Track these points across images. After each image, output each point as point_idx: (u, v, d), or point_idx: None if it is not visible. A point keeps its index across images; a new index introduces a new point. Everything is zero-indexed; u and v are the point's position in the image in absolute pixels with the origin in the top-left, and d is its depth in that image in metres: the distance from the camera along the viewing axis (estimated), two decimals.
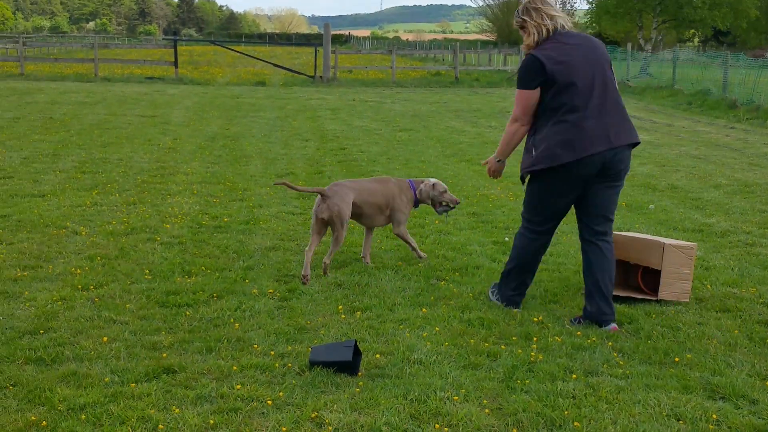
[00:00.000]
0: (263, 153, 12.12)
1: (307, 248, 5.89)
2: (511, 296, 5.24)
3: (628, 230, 7.40)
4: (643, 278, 5.66)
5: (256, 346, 4.51)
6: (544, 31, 4.85)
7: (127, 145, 12.43)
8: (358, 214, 6.13)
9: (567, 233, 7.18)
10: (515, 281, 5.22)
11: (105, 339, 4.55)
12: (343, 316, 5.06)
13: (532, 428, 3.67)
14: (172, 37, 35.23)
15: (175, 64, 29.25)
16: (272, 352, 4.42)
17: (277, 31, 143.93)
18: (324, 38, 30.16)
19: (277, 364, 4.25)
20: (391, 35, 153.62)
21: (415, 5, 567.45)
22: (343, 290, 5.59)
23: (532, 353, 4.47)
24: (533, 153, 4.88)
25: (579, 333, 4.82)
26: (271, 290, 5.52)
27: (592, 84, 4.78)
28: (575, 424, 3.68)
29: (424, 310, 5.18)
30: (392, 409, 3.76)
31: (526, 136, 5.02)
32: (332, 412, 3.74)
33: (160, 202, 8.42)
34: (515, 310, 5.19)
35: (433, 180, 6.37)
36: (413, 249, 6.38)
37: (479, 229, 7.54)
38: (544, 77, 4.76)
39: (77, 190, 8.91)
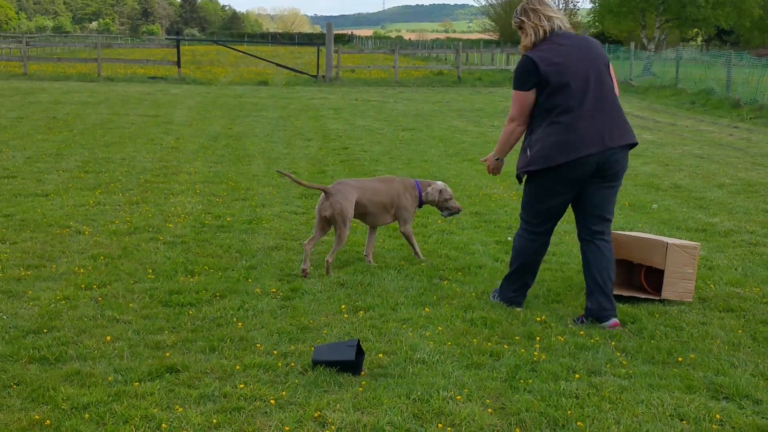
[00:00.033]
0: (266, 152, 12.12)
1: (306, 242, 5.94)
2: (512, 297, 5.25)
3: (631, 230, 7.39)
4: (647, 278, 5.66)
5: (259, 345, 4.51)
6: (541, 32, 4.88)
7: (130, 145, 12.45)
8: (362, 214, 6.14)
9: (569, 233, 7.17)
10: (516, 283, 5.23)
11: (108, 338, 4.55)
12: (345, 315, 5.06)
13: (535, 428, 3.67)
14: (175, 37, 35.20)
15: (178, 63, 29.27)
16: (275, 352, 4.42)
17: (280, 31, 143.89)
18: (326, 38, 30.18)
19: (280, 364, 4.25)
20: (393, 35, 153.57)
21: (417, 5, 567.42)
22: (346, 290, 5.59)
23: (535, 353, 4.47)
24: (528, 153, 4.91)
25: (582, 333, 4.82)
26: (273, 289, 5.53)
27: (586, 85, 4.79)
28: (578, 423, 3.68)
29: (426, 309, 5.17)
30: (395, 409, 3.76)
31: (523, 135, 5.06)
32: (335, 411, 3.74)
33: (163, 201, 8.43)
34: (518, 309, 5.19)
35: (441, 185, 6.37)
36: (414, 249, 6.38)
37: (482, 229, 7.54)
38: (538, 78, 4.79)
39: (80, 189, 8.92)
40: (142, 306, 5.16)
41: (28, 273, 5.79)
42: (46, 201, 8.26)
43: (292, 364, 4.26)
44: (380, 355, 4.41)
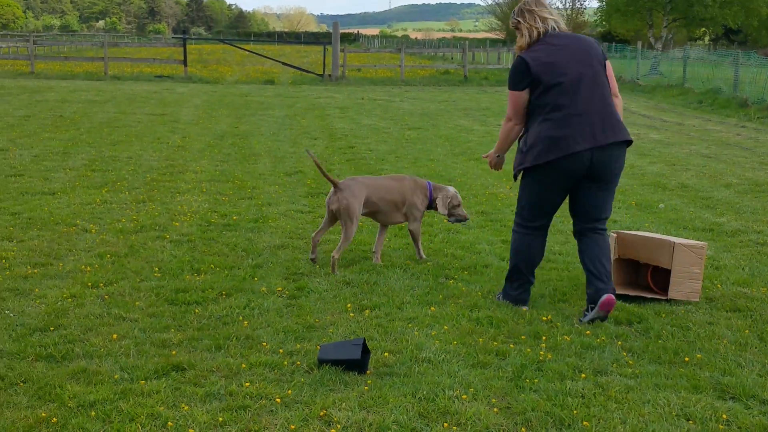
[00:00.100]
0: (272, 151, 12.13)
1: (314, 234, 6.12)
2: (516, 296, 5.26)
3: (638, 229, 7.37)
4: (653, 277, 5.65)
5: (264, 344, 4.51)
6: (535, 33, 4.99)
7: (136, 144, 12.47)
8: (374, 211, 6.16)
9: None
10: (518, 281, 5.26)
11: (114, 336, 4.56)
12: (351, 314, 5.06)
13: (540, 427, 3.66)
14: (182, 36, 35.31)
15: (185, 62, 29.31)
16: (281, 350, 4.42)
17: (286, 30, 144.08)
18: (333, 37, 30.19)
19: (285, 362, 4.26)
20: (399, 34, 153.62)
21: (424, 4, 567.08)
22: (352, 288, 5.59)
23: (541, 352, 4.46)
24: (523, 151, 5.03)
25: (588, 332, 4.81)
26: (279, 288, 5.53)
27: (578, 83, 4.86)
28: (584, 423, 3.67)
29: (432, 308, 5.17)
30: (401, 408, 3.76)
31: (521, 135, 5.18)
32: (341, 410, 3.74)
33: (170, 200, 8.44)
34: (524, 308, 5.19)
35: (452, 190, 6.38)
36: (417, 249, 6.38)
37: (488, 228, 7.53)
38: (530, 78, 4.91)
39: (87, 188, 8.94)
40: (149, 304, 5.17)
41: (35, 271, 5.81)
42: (52, 199, 8.28)
43: (298, 362, 4.27)
44: (386, 354, 4.41)
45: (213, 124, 15.47)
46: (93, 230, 7.02)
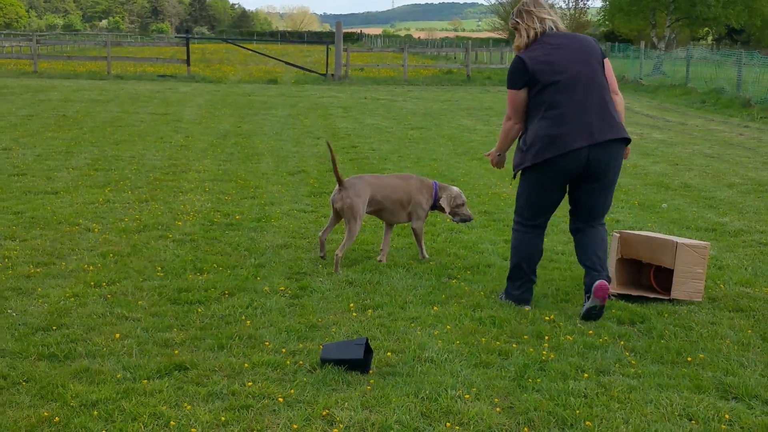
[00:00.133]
0: (275, 151, 12.14)
1: (320, 233, 6.23)
2: (518, 295, 5.27)
3: (641, 229, 7.37)
4: (656, 277, 5.64)
5: (267, 343, 4.51)
6: (532, 33, 5.05)
7: (139, 143, 12.48)
8: (379, 210, 6.17)
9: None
10: (519, 280, 5.27)
11: (117, 336, 4.57)
12: (354, 314, 5.06)
13: (543, 427, 3.66)
14: (185, 35, 35.31)
15: (188, 62, 29.31)
16: (283, 350, 4.42)
17: (289, 29, 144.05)
18: (336, 36, 30.19)
19: (288, 362, 4.26)
20: (402, 33, 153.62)
21: (427, 3, 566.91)
22: (355, 288, 5.59)
23: (544, 352, 4.46)
24: (521, 150, 5.08)
25: (591, 332, 4.81)
26: (282, 288, 5.53)
27: (575, 82, 4.90)
28: (587, 423, 3.67)
29: (435, 308, 5.17)
30: (403, 408, 3.76)
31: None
32: (343, 409, 3.74)
33: (172, 199, 8.44)
34: (526, 308, 5.19)
35: (456, 190, 6.38)
36: (420, 248, 6.38)
37: (491, 228, 7.53)
38: (527, 77, 4.96)
39: (90, 187, 8.94)
40: (151, 303, 5.17)
41: (38, 270, 5.81)
42: (55, 198, 8.29)
43: (301, 362, 4.27)
44: (388, 353, 4.41)
45: (216, 123, 15.48)
46: (96, 229, 7.02)
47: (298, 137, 13.82)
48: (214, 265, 6.03)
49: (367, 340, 4.24)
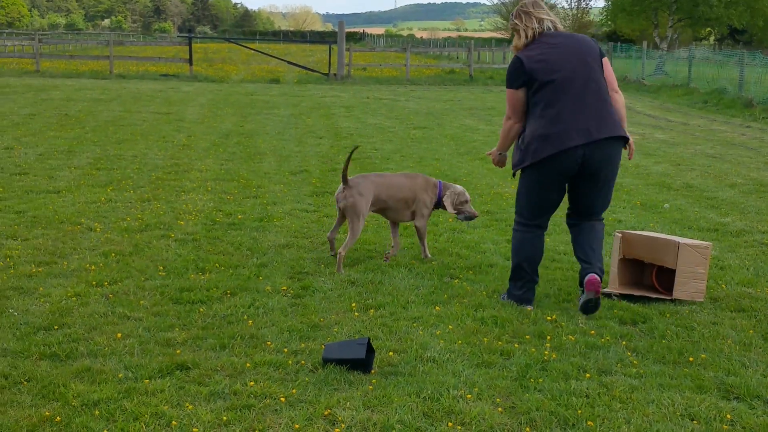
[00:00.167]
0: (277, 150, 12.14)
1: (329, 234, 6.35)
2: (520, 295, 5.28)
3: (643, 229, 7.36)
4: (658, 277, 5.64)
5: (269, 343, 4.51)
6: (530, 33, 5.10)
7: (141, 142, 12.48)
8: (383, 209, 6.19)
9: None
10: (521, 280, 5.29)
11: (119, 335, 4.57)
12: (356, 313, 5.06)
13: (545, 427, 3.66)
14: (187, 35, 35.35)
15: (190, 61, 29.32)
16: (285, 350, 4.42)
17: (292, 29, 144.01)
18: (338, 36, 30.19)
19: (290, 362, 4.26)
20: (405, 33, 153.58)
21: (429, 3, 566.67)
22: (357, 288, 5.59)
23: (546, 352, 4.46)
24: (521, 149, 5.11)
25: (593, 332, 4.81)
26: (284, 287, 5.53)
27: (571, 80, 4.94)
28: (588, 423, 3.67)
29: (437, 308, 5.17)
30: (405, 407, 3.76)
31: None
32: (345, 409, 3.74)
33: (175, 198, 8.45)
34: (528, 308, 5.20)
35: (460, 188, 6.39)
36: (423, 247, 6.38)
37: (493, 227, 7.53)
38: (525, 76, 5.00)
39: (92, 186, 8.95)
40: (153, 303, 5.17)
41: (40, 270, 5.82)
42: (57, 198, 8.29)
43: (303, 362, 4.27)
44: (390, 353, 4.41)
45: (218, 122, 15.48)
46: (98, 229, 7.03)
47: (300, 137, 13.82)
48: (216, 264, 6.04)
49: (369, 339, 4.24)
